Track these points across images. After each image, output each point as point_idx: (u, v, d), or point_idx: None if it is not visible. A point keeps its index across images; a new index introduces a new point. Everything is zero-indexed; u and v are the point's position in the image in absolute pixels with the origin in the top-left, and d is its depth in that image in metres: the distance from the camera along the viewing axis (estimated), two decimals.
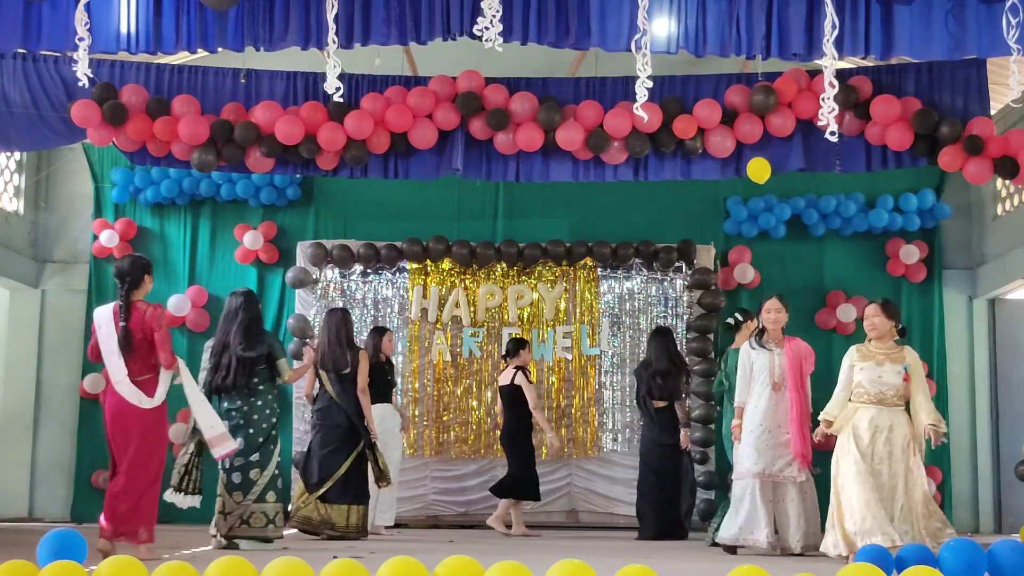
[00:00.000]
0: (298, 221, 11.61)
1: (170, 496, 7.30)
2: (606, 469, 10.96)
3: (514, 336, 10.54)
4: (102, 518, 6.58)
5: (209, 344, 7.95)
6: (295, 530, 8.58)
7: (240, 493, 7.49)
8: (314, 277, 11.10)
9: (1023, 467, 9.21)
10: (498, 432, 10.24)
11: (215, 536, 7.54)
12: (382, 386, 9.38)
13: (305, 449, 8.97)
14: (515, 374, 9.81)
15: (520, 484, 9.75)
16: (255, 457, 7.57)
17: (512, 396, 9.80)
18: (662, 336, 9.86)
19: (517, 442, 9.83)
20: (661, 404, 9.64)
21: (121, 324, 6.67)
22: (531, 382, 9.93)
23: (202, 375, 7.83)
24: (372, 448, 8.62)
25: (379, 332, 9.69)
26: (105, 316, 6.74)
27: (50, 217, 11.78)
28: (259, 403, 7.66)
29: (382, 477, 8.62)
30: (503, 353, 10.08)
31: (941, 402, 11.32)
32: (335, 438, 8.61)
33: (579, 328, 11.11)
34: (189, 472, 7.39)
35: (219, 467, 7.56)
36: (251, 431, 7.60)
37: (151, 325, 6.72)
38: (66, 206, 11.79)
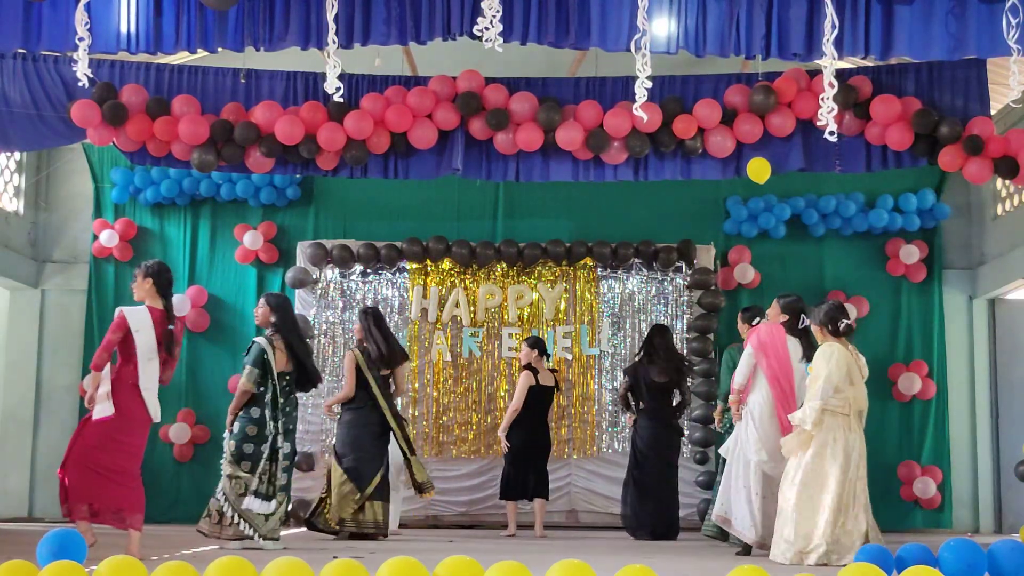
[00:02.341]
0: (298, 221, 11.62)
1: (251, 504, 7.39)
2: (606, 469, 10.95)
3: (533, 336, 10.30)
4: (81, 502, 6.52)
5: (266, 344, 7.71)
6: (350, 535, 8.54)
7: (283, 495, 7.55)
8: (314, 277, 11.10)
9: (1023, 467, 9.21)
10: (491, 430, 10.25)
11: (253, 537, 7.42)
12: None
13: (335, 452, 8.78)
14: (555, 376, 9.80)
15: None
16: (293, 461, 7.72)
17: (552, 398, 9.77)
18: (664, 332, 9.87)
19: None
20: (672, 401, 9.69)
21: (170, 327, 6.74)
22: None
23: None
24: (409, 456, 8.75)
25: None
26: (143, 319, 6.65)
27: (50, 217, 11.78)
28: (296, 411, 7.76)
29: (424, 487, 8.71)
30: (538, 352, 9.68)
31: (941, 402, 11.33)
32: (379, 437, 8.71)
33: (579, 328, 11.11)
34: (271, 478, 7.47)
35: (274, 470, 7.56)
36: (296, 436, 7.75)
37: (180, 334, 6.85)
38: (66, 206, 11.79)
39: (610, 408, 11.07)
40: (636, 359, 9.84)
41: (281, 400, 7.55)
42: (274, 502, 7.44)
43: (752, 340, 7.80)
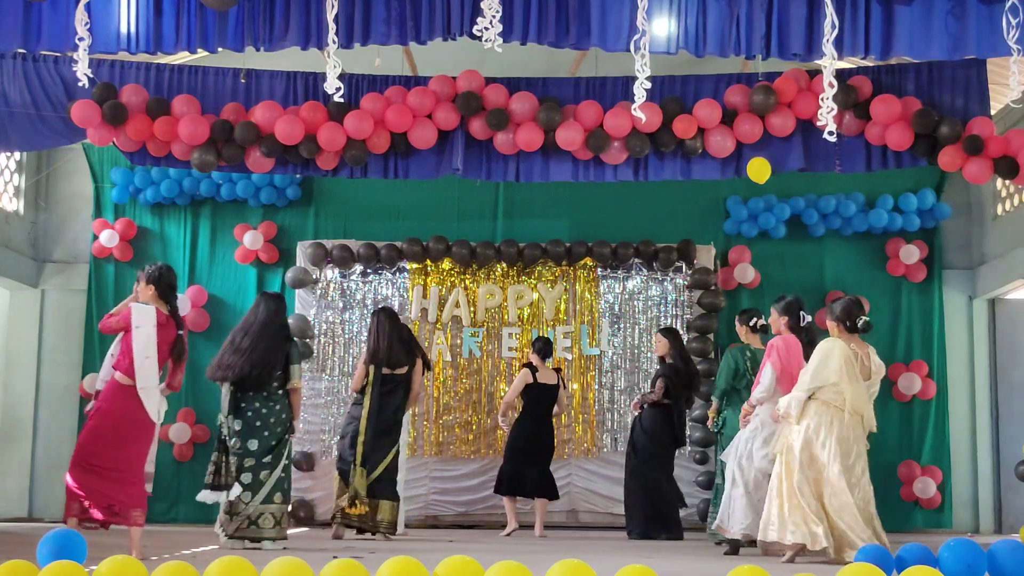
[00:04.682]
0: (298, 221, 11.62)
1: (204, 496, 7.42)
2: (606, 469, 10.94)
3: (541, 338, 10.33)
4: (91, 507, 6.50)
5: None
6: (345, 527, 8.60)
7: (249, 494, 7.50)
8: (314, 277, 11.10)
9: (1023, 467, 9.21)
10: (500, 432, 10.26)
11: (220, 534, 7.51)
12: None
13: (339, 443, 8.81)
14: (558, 375, 9.79)
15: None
16: (267, 459, 7.59)
17: (555, 397, 9.76)
18: (677, 335, 9.92)
19: (554, 442, 9.88)
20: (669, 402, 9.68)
21: (179, 332, 6.80)
22: None
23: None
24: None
25: None
26: (147, 317, 6.67)
27: (50, 217, 11.78)
28: (277, 407, 7.69)
29: (356, 500, 8.60)
30: (539, 352, 9.74)
31: (941, 402, 11.33)
32: (383, 434, 8.67)
33: (579, 328, 11.11)
34: (219, 470, 7.46)
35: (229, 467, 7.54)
36: (266, 433, 7.62)
37: (185, 339, 6.88)
38: (66, 206, 11.79)
39: (609, 408, 11.08)
40: (670, 362, 9.76)
41: (239, 393, 7.60)
42: (223, 493, 7.42)
43: (773, 359, 7.67)
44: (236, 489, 7.44)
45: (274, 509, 7.55)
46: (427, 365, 9.15)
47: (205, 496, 7.46)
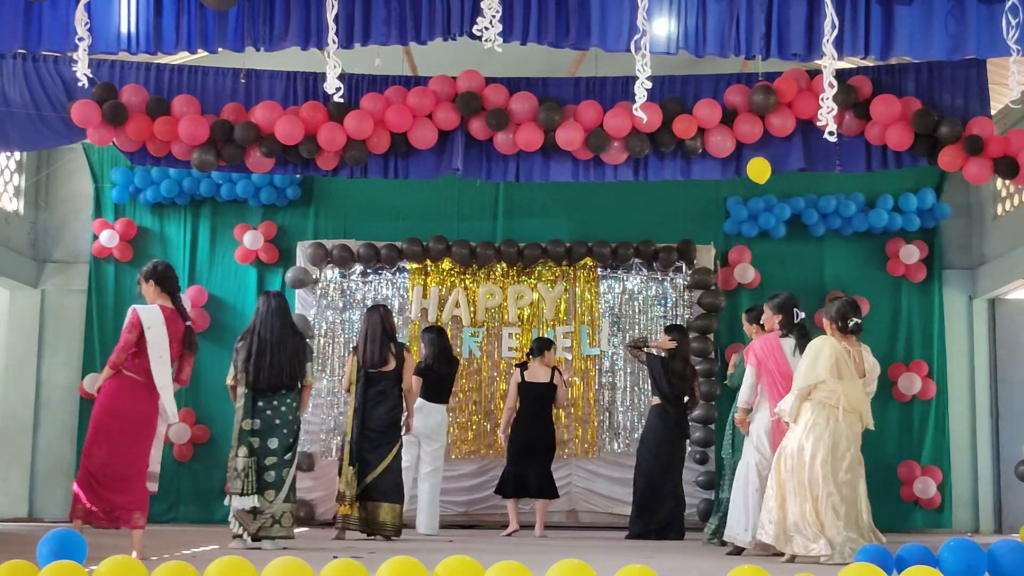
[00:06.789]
0: (298, 221, 11.62)
1: (236, 502, 7.38)
2: (606, 469, 10.95)
3: (541, 336, 10.39)
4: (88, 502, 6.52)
5: (242, 342, 7.79)
6: (338, 529, 8.62)
7: (273, 492, 7.47)
8: (314, 277, 11.10)
9: (1023, 467, 9.21)
10: (497, 430, 10.27)
11: (242, 536, 7.44)
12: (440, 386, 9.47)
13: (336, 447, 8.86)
14: (553, 373, 9.79)
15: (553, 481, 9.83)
16: (288, 456, 7.59)
17: (549, 395, 9.77)
18: (684, 334, 9.91)
19: (554, 440, 9.88)
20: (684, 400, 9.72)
21: (187, 324, 6.80)
22: None
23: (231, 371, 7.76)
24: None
25: (440, 331, 9.73)
26: (155, 317, 6.68)
27: (50, 217, 11.78)
28: (294, 404, 7.68)
29: (341, 498, 8.58)
30: (530, 350, 9.87)
31: (941, 402, 11.33)
32: (376, 432, 8.64)
33: (579, 328, 11.11)
34: (247, 474, 7.42)
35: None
36: (285, 431, 7.60)
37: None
38: (66, 206, 11.79)
39: (608, 408, 11.08)
40: (660, 354, 9.80)
41: (253, 394, 7.56)
42: (253, 498, 7.39)
43: (750, 359, 7.71)
44: (252, 500, 7.42)
45: (292, 508, 7.58)
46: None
47: (244, 502, 7.39)
